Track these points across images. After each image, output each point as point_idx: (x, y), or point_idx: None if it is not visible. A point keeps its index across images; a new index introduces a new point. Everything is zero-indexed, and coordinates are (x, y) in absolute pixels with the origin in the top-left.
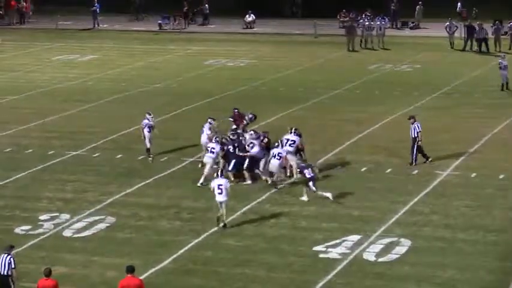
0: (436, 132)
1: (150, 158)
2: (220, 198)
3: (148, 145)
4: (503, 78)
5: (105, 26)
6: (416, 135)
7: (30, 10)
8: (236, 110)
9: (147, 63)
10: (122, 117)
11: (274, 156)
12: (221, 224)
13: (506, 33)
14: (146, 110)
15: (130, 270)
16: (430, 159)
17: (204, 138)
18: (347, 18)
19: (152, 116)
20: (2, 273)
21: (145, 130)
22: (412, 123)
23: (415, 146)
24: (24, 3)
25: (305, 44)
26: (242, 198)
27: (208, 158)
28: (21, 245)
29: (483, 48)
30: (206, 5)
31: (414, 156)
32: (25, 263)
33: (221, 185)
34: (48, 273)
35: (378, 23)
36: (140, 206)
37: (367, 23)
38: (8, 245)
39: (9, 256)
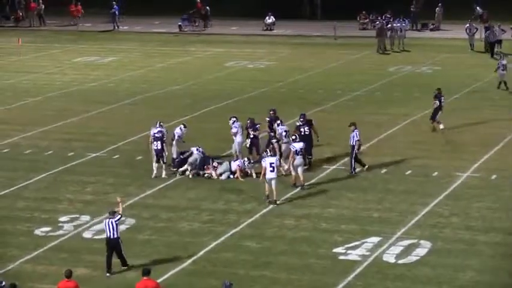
0: (456, 134)
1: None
2: (272, 175)
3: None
4: (502, 77)
5: (125, 28)
6: (354, 143)
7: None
8: (272, 112)
9: (167, 65)
10: (142, 119)
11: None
12: (272, 204)
13: None
14: (166, 112)
15: (146, 272)
16: (366, 167)
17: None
18: (366, 20)
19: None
20: (111, 236)
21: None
22: (353, 131)
23: (353, 154)
24: (75, 7)
25: (325, 46)
26: (262, 200)
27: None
28: (42, 247)
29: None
30: (207, 7)
31: (353, 165)
32: (45, 264)
33: (273, 163)
34: (69, 275)
35: (398, 24)
36: (160, 207)
37: (396, 25)
38: (111, 210)
39: (114, 219)
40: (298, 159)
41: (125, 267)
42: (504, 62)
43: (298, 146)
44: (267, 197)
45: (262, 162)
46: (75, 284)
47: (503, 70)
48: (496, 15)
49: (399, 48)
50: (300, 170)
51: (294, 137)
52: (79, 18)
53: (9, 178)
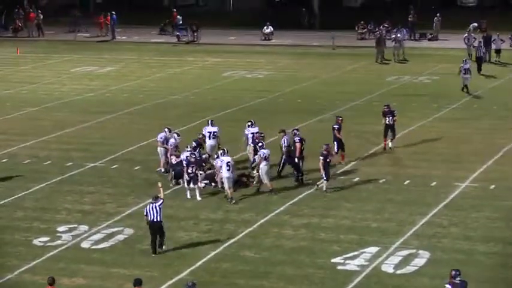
0: (454, 143)
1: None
2: (227, 174)
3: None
4: (465, 80)
5: (123, 37)
6: (284, 148)
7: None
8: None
9: (165, 75)
10: (140, 129)
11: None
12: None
13: None
14: (164, 123)
15: (138, 283)
16: (301, 177)
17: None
18: (364, 30)
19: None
20: (154, 220)
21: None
22: (282, 137)
23: (282, 158)
24: (103, 18)
25: (323, 55)
26: (261, 210)
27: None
28: (40, 257)
29: (495, 58)
30: (179, 17)
31: (280, 167)
32: (44, 274)
33: (229, 162)
34: (51, 282)
35: (399, 35)
36: None
37: (399, 36)
38: (155, 195)
39: (157, 204)
40: (265, 165)
41: (162, 250)
42: (467, 66)
43: (266, 152)
44: (230, 199)
45: (216, 162)
46: None
47: (465, 74)
48: (495, 26)
49: (399, 58)
50: (265, 176)
51: (260, 144)
52: (103, 30)
53: (8, 188)
